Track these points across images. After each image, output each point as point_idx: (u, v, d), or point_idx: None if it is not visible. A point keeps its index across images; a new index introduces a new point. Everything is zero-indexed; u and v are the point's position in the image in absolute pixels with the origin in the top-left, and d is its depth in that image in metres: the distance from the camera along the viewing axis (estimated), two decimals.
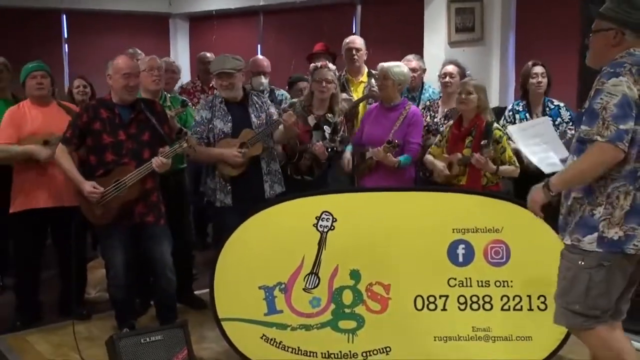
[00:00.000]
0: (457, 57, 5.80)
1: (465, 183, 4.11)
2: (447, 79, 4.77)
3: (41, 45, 8.15)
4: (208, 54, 6.20)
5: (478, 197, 3.69)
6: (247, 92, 4.34)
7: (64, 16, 8.67)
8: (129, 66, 3.87)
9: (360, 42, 5.25)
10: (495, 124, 4.19)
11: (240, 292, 3.61)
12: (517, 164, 4.13)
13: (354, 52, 5.20)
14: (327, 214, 3.60)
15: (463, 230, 3.57)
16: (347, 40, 5.30)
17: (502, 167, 4.08)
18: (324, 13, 8.08)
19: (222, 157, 4.15)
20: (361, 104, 5.07)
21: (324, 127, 4.52)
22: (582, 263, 2.64)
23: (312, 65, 4.73)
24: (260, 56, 6.02)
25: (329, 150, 4.46)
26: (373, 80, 5.11)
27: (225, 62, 4.18)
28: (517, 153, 4.27)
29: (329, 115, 4.53)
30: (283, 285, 3.59)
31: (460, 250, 3.57)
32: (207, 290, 3.69)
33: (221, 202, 4.23)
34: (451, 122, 4.48)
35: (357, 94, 5.15)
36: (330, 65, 4.62)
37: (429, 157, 4.33)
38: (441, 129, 4.61)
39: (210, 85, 5.97)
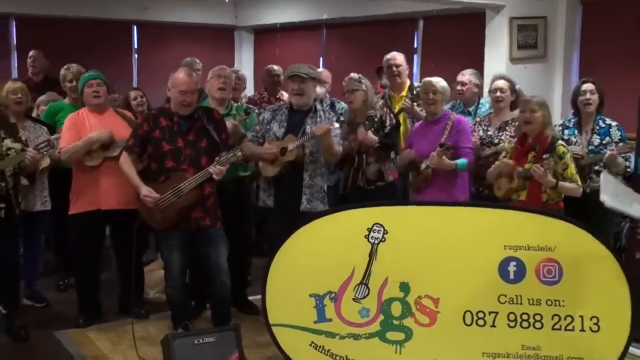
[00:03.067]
0: (519, 74, 5.81)
1: (525, 198, 4.09)
2: (498, 93, 4.78)
3: (112, 55, 8.49)
4: (276, 67, 6.36)
5: (531, 214, 3.65)
6: (315, 105, 4.42)
7: (135, 27, 9.03)
8: (186, 83, 4.01)
9: (400, 58, 5.29)
10: (560, 141, 4.16)
11: (291, 299, 3.69)
12: (580, 183, 4.08)
13: (394, 68, 5.26)
14: (378, 225, 3.64)
15: (515, 248, 3.55)
16: (387, 56, 5.35)
17: (562, 183, 4.03)
18: (386, 27, 8.14)
19: (259, 153, 4.30)
20: (401, 117, 5.08)
21: (366, 124, 4.43)
22: None
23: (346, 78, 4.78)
24: (320, 68, 6.13)
25: (378, 131, 4.41)
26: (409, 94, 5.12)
27: (300, 67, 4.31)
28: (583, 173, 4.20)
29: (370, 111, 4.48)
30: (333, 294, 3.65)
31: (512, 268, 3.55)
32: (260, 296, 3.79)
33: (263, 202, 4.41)
34: (505, 134, 4.50)
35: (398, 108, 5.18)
36: (353, 75, 4.64)
37: (491, 169, 4.33)
38: (495, 141, 4.62)
39: (277, 97, 6.12)
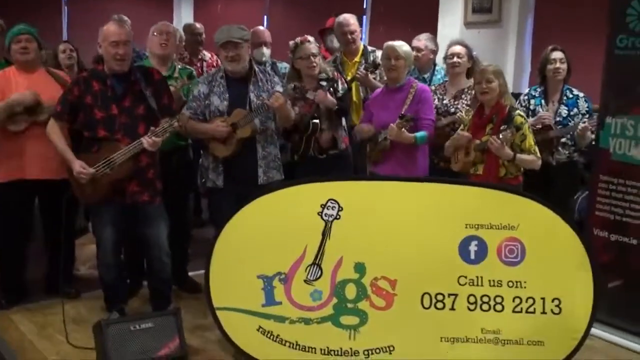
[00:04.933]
0: (472, 39, 5.60)
1: (483, 172, 3.90)
2: (455, 59, 4.54)
3: (40, 9, 7.86)
4: (198, 25, 5.95)
5: (495, 191, 3.45)
6: (252, 67, 4.08)
7: None
8: (117, 33, 3.61)
9: (354, 21, 4.98)
10: (518, 110, 3.97)
11: (237, 280, 3.39)
12: (539, 154, 3.91)
13: (348, 35, 4.94)
14: (333, 202, 3.37)
15: (477, 226, 3.34)
16: (340, 19, 5.02)
17: (520, 155, 3.85)
18: None
19: (208, 132, 3.94)
20: (353, 86, 4.82)
21: (321, 83, 4.20)
22: None
23: (291, 42, 4.44)
24: (260, 27, 5.76)
25: (334, 94, 4.17)
26: (363, 60, 4.86)
27: (231, 32, 3.91)
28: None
29: (322, 75, 4.23)
30: (283, 276, 3.38)
31: (473, 247, 3.34)
32: (202, 271, 3.48)
33: (212, 183, 4.04)
34: (461, 103, 4.32)
35: (351, 75, 4.90)
36: (310, 38, 4.35)
37: (447, 143, 4.11)
38: (452, 110, 4.42)
39: (200, 57, 5.73)
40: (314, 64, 4.20)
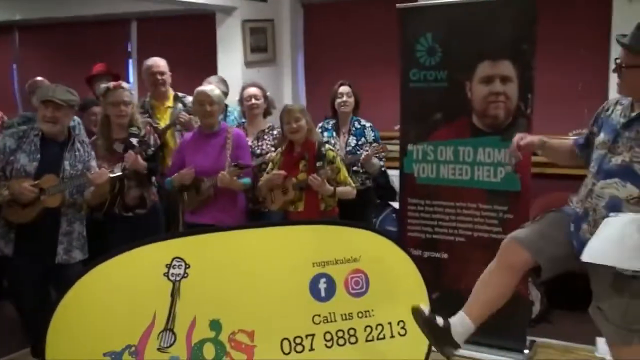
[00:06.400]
0: (253, 77, 5.72)
1: (304, 209, 3.95)
2: (253, 101, 4.59)
3: None
4: None
5: (334, 227, 3.57)
6: (72, 135, 3.73)
7: None
8: None
9: (163, 64, 4.80)
10: (327, 145, 4.11)
11: None
12: (353, 185, 4.08)
13: (158, 76, 4.75)
14: (178, 260, 3.19)
15: (323, 264, 3.41)
16: (148, 63, 4.81)
17: (339, 188, 3.97)
18: (93, 30, 7.39)
19: (16, 192, 3.48)
20: (168, 133, 4.66)
21: (131, 140, 3.96)
22: None
23: (102, 86, 4.15)
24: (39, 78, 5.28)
25: (145, 154, 3.93)
26: (180, 105, 4.74)
27: (56, 92, 3.56)
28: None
29: (133, 128, 3.98)
30: (133, 349, 3.09)
31: (322, 285, 3.40)
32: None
33: (0, 251, 3.59)
34: (265, 143, 4.37)
35: (164, 121, 4.71)
36: (124, 84, 4.12)
37: (260, 183, 4.10)
38: (257, 152, 4.43)
39: None
40: (123, 112, 3.94)
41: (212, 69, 6.02)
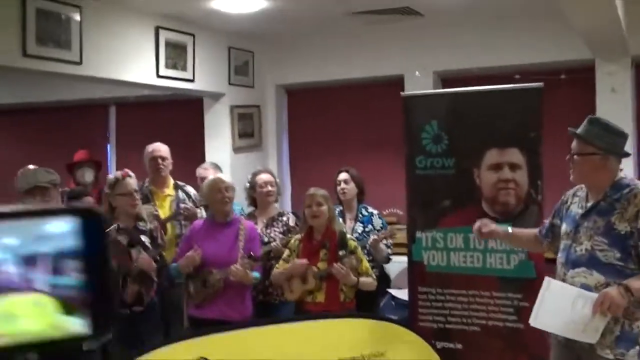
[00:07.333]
0: (242, 162, 5.68)
1: (324, 300, 3.80)
2: (269, 188, 4.49)
3: None
4: None
5: (358, 320, 3.48)
6: None
7: None
8: None
9: (165, 149, 4.70)
10: (348, 235, 4.02)
11: None
12: (374, 276, 3.99)
13: (159, 161, 4.64)
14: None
15: None
16: (149, 148, 4.71)
17: (362, 279, 3.85)
18: (72, 114, 7.23)
19: None
20: (169, 226, 4.50)
21: (141, 237, 3.84)
22: None
23: (110, 177, 4.05)
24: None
25: (158, 259, 3.82)
26: (182, 195, 4.63)
27: (37, 175, 3.46)
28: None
29: (140, 223, 3.87)
30: None
31: None
32: None
33: None
34: (273, 231, 4.28)
35: (163, 209, 4.56)
36: (130, 173, 4.01)
37: (276, 272, 3.96)
38: (265, 240, 4.30)
39: None
40: (137, 202, 3.81)
41: (198, 155, 5.94)
